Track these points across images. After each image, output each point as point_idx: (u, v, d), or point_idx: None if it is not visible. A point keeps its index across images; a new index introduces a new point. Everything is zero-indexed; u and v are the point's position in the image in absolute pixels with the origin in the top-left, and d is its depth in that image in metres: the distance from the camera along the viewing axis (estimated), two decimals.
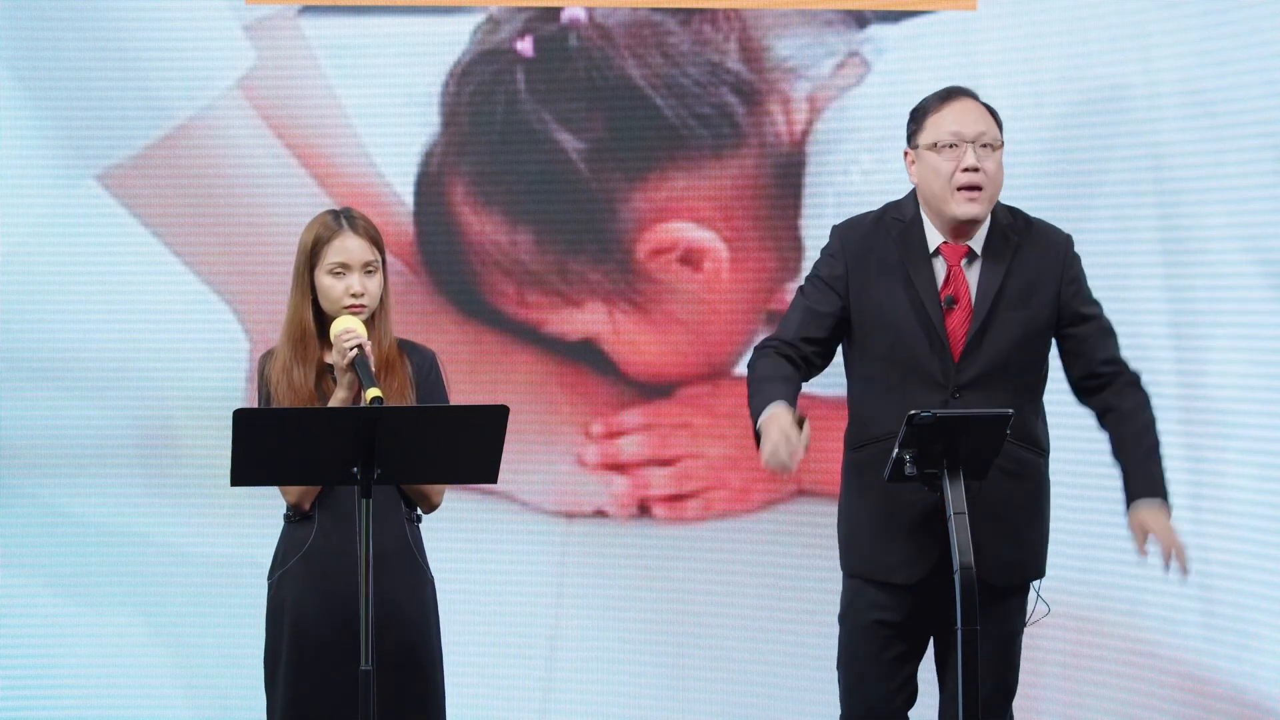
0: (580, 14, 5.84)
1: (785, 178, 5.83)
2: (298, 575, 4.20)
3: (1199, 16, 5.31)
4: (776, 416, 4.11)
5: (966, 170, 4.27)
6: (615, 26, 5.85)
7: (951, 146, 4.28)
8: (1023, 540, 4.36)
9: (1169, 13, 5.37)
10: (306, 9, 5.87)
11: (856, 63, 5.80)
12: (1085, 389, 4.45)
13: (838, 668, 4.44)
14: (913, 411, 3.96)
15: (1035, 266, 4.36)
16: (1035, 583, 4.41)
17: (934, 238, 4.34)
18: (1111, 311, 5.44)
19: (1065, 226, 5.11)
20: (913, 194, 4.40)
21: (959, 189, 4.28)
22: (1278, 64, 5.15)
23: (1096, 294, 5.39)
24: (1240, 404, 5.25)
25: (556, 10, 5.84)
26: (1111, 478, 5.03)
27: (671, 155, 5.85)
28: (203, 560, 5.83)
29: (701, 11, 5.82)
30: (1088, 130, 5.52)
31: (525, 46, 5.86)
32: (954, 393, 4.28)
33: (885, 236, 4.36)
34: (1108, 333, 4.44)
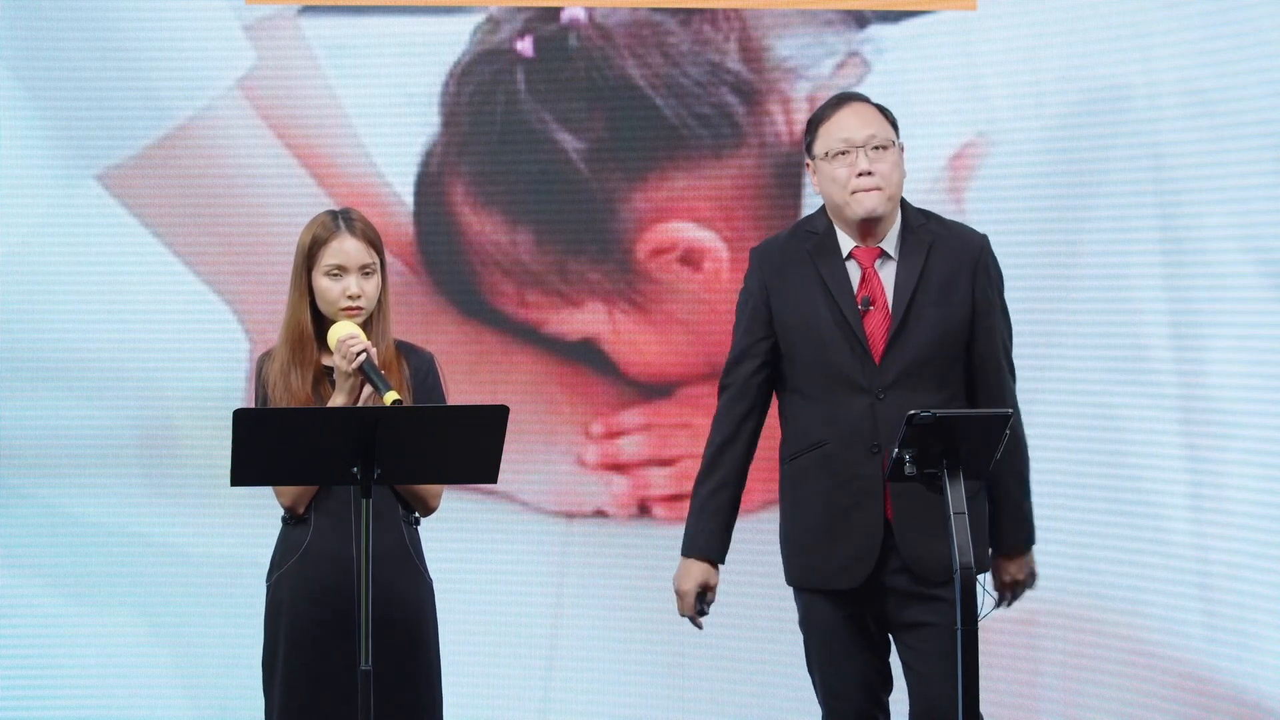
0: (580, 14, 5.84)
1: (785, 178, 5.83)
2: (294, 577, 4.19)
3: (1199, 16, 5.31)
4: (688, 572, 4.52)
5: (861, 175, 4.32)
6: (615, 26, 5.85)
7: (843, 153, 4.33)
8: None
9: (1169, 13, 5.37)
10: (306, 9, 5.87)
11: (856, 63, 5.80)
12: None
13: (809, 671, 4.49)
14: (912, 411, 3.96)
15: (952, 263, 4.38)
16: (981, 577, 4.41)
17: (846, 243, 4.39)
18: (1112, 311, 5.46)
19: (1065, 226, 5.13)
20: (824, 207, 4.45)
21: (855, 192, 4.32)
22: (1278, 64, 5.15)
23: (1096, 294, 5.39)
24: (1240, 404, 5.25)
25: (556, 10, 5.84)
26: (1111, 477, 5.05)
27: (671, 155, 5.85)
28: (203, 560, 5.83)
29: (701, 11, 5.82)
30: (1088, 130, 5.52)
31: (525, 46, 5.86)
32: (878, 394, 4.31)
33: (799, 249, 4.42)
34: (995, 354, 4.40)
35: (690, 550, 4.50)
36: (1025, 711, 5.57)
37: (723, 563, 4.50)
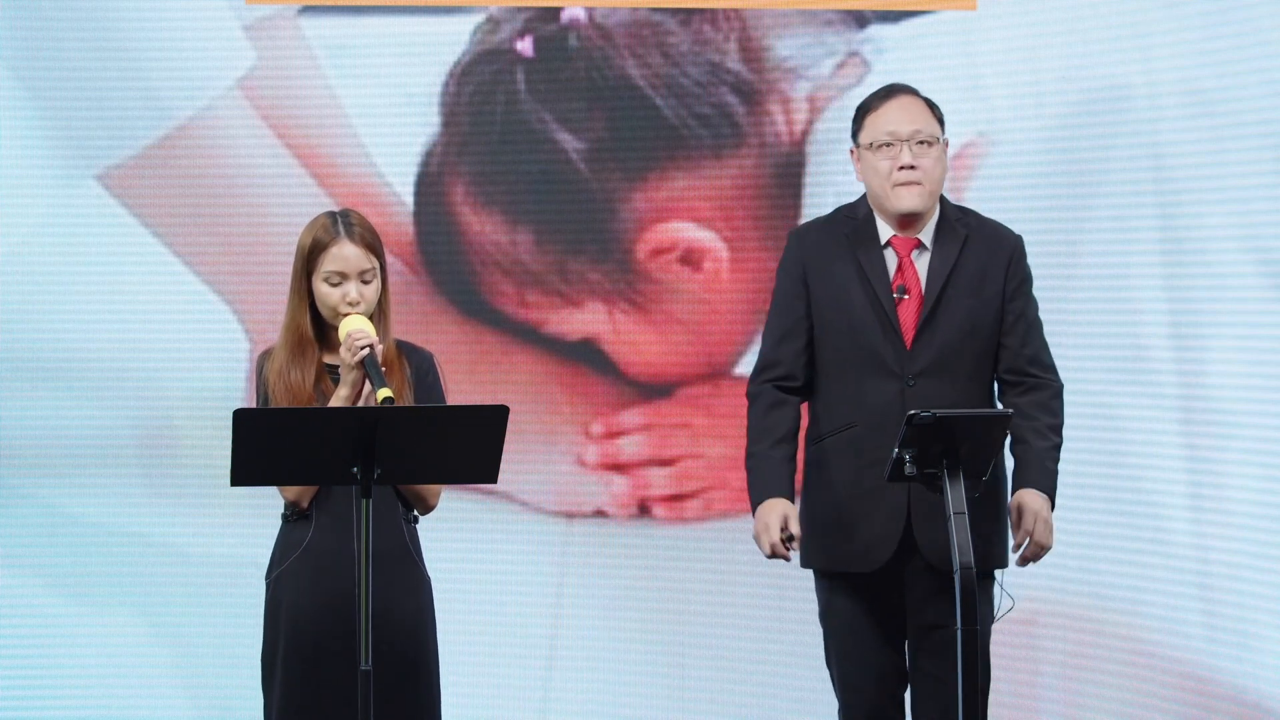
0: (580, 14, 5.84)
1: (785, 178, 5.83)
2: (295, 575, 4.19)
3: (1199, 16, 5.31)
4: (770, 507, 4.36)
5: (903, 169, 4.35)
6: (615, 26, 5.85)
7: (888, 145, 4.37)
8: (979, 530, 4.38)
9: (1169, 13, 5.37)
10: (306, 9, 5.87)
11: (856, 63, 5.80)
12: (1004, 384, 4.47)
13: (827, 665, 4.48)
14: (912, 411, 3.97)
15: (985, 258, 4.42)
16: (998, 572, 4.42)
17: (885, 231, 4.43)
18: (1112, 311, 5.46)
19: (1065, 226, 5.14)
20: (865, 194, 4.47)
21: (896, 185, 4.35)
22: (1278, 64, 5.15)
23: (1097, 294, 5.39)
24: (1240, 404, 5.25)
25: (556, 10, 5.84)
26: (1111, 477, 5.06)
27: (671, 155, 5.85)
28: (203, 560, 5.83)
29: (701, 11, 5.82)
30: (1088, 130, 5.52)
31: (525, 46, 5.86)
32: (908, 381, 4.34)
33: (838, 234, 4.46)
34: (1027, 335, 4.44)
35: (763, 495, 4.41)
36: (1025, 711, 5.57)
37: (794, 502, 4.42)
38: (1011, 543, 4.42)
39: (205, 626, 5.81)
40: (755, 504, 4.42)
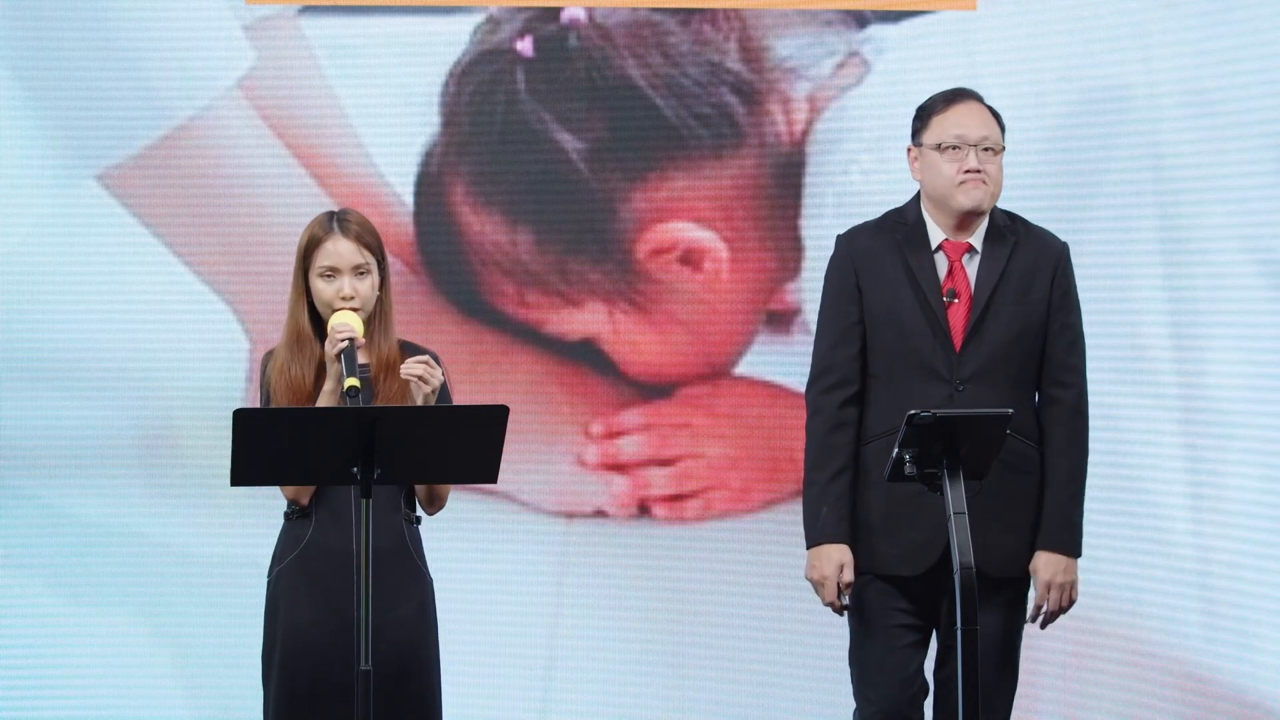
0: (580, 14, 5.84)
1: (785, 178, 5.83)
2: (294, 573, 4.20)
3: (1199, 16, 5.31)
4: (827, 556, 4.40)
5: (968, 172, 4.37)
6: (615, 26, 5.85)
7: (954, 149, 4.38)
8: (1019, 531, 4.39)
9: (1169, 13, 5.37)
10: (306, 9, 5.87)
11: (856, 63, 5.80)
12: (1041, 396, 4.50)
13: (850, 663, 4.48)
14: (912, 411, 3.98)
15: (1032, 263, 4.45)
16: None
17: (936, 235, 4.44)
18: (1112, 311, 5.46)
19: (1065, 226, 5.15)
20: (915, 199, 4.49)
21: (960, 184, 4.37)
22: (1278, 64, 5.15)
23: (1097, 294, 5.39)
24: (1240, 404, 5.25)
25: (556, 10, 5.84)
26: (1111, 477, 5.06)
27: (671, 155, 5.85)
28: (203, 560, 5.83)
29: (701, 11, 5.82)
30: (1088, 130, 5.52)
31: (525, 46, 5.86)
32: (957, 386, 4.36)
33: (889, 238, 4.46)
34: (1071, 346, 4.45)
35: (822, 537, 4.43)
36: (1025, 711, 5.57)
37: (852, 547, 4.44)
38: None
39: (205, 626, 5.81)
40: (811, 542, 4.45)
